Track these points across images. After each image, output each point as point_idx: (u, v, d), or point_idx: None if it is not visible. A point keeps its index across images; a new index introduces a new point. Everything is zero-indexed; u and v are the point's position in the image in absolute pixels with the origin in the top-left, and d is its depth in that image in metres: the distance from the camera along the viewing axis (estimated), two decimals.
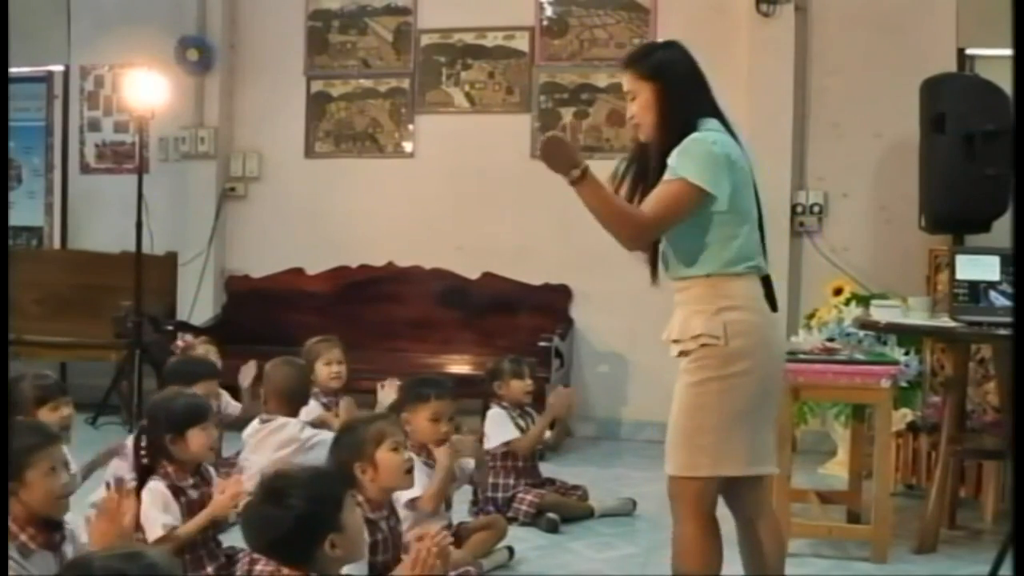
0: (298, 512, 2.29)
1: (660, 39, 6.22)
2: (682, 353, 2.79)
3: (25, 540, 2.53)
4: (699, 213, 2.74)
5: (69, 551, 2.64)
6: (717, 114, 2.86)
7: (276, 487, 2.37)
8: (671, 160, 2.75)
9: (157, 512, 3.16)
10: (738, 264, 2.78)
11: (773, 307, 2.87)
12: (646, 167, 2.88)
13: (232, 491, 3.16)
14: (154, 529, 3.14)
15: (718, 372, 2.73)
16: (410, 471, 3.15)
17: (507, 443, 4.45)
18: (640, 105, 2.85)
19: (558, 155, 2.77)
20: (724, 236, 2.77)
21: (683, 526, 2.80)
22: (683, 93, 2.83)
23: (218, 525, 3.32)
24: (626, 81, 2.90)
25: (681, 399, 2.79)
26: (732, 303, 2.75)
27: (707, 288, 2.77)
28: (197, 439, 3.24)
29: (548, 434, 4.77)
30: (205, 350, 4.83)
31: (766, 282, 2.87)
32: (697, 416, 2.75)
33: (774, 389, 2.86)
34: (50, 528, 2.59)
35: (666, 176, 2.75)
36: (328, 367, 4.56)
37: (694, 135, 2.76)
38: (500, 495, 4.41)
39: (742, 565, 2.97)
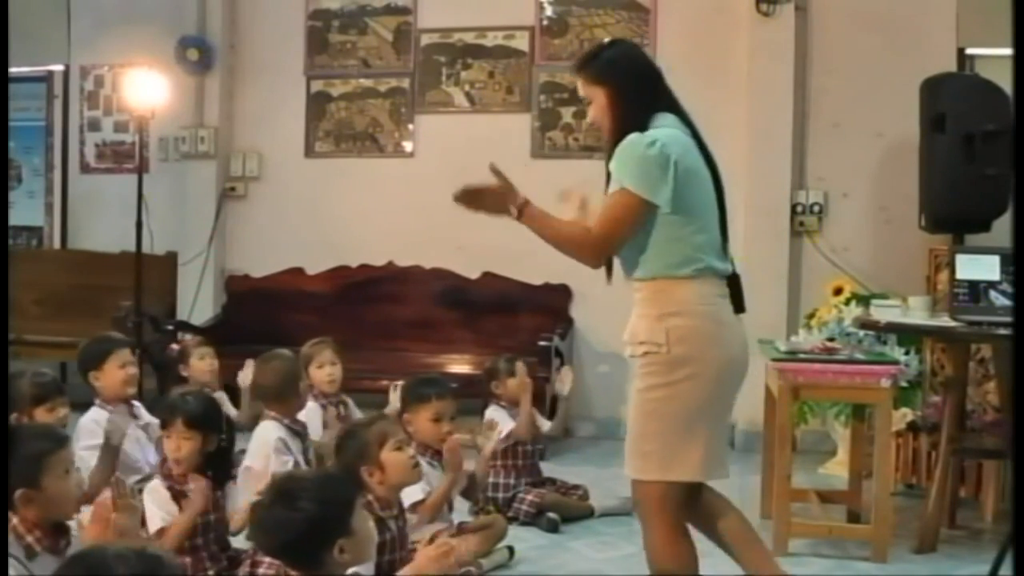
0: (309, 515, 2.29)
1: (660, 39, 6.31)
2: (631, 357, 2.80)
3: (31, 542, 2.53)
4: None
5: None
6: (673, 107, 2.83)
7: (287, 489, 2.37)
8: (612, 166, 2.74)
9: (155, 511, 3.17)
10: (684, 267, 2.73)
11: (739, 308, 2.82)
12: None
13: (202, 492, 3.19)
14: (152, 527, 3.15)
15: (663, 379, 2.72)
16: (417, 465, 3.16)
17: (507, 435, 4.43)
18: (595, 109, 2.86)
19: (483, 202, 2.82)
20: (666, 238, 2.72)
21: (650, 532, 2.81)
22: (633, 92, 2.81)
23: (220, 529, 3.33)
24: (580, 86, 2.90)
25: (632, 404, 2.80)
26: (675, 308, 2.72)
27: (652, 292, 2.75)
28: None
29: (547, 425, 4.77)
30: (202, 353, 4.81)
31: (733, 281, 2.82)
32: (643, 422, 2.76)
33: (726, 394, 2.81)
34: (56, 532, 2.59)
35: (612, 186, 2.74)
36: (321, 370, 4.47)
37: (630, 136, 2.73)
38: (501, 495, 4.41)
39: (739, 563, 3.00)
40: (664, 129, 2.75)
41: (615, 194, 2.72)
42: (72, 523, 2.68)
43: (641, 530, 2.84)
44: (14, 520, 2.53)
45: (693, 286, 2.74)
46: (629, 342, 2.79)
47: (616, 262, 2.89)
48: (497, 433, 4.07)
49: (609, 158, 2.82)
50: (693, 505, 2.87)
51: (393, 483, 3.08)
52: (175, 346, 4.93)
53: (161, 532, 3.15)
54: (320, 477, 2.56)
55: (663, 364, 2.71)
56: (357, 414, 4.54)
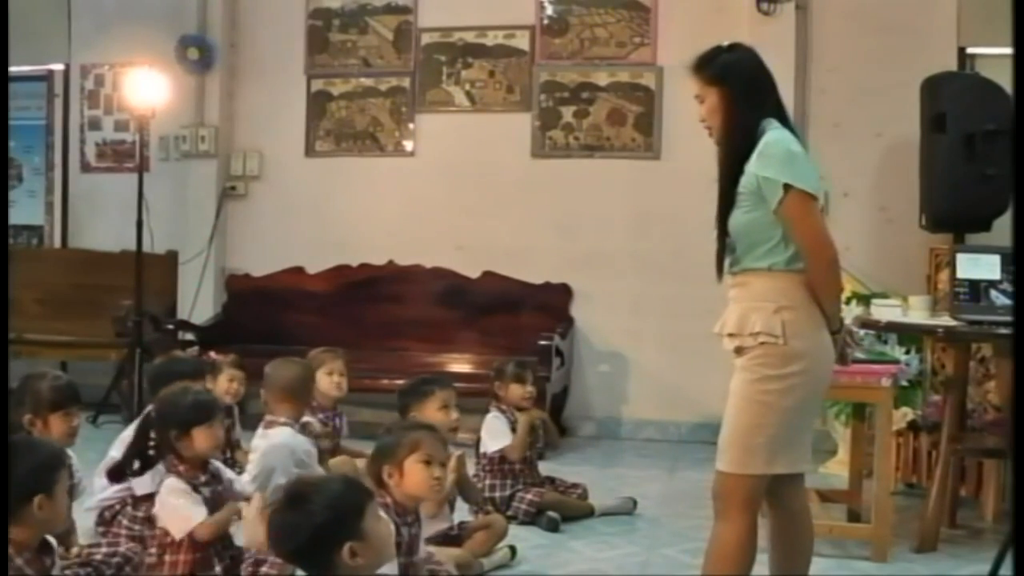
0: (317, 519, 2.29)
1: (661, 38, 6.32)
2: (739, 349, 2.80)
3: (21, 564, 2.51)
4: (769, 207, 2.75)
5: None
6: (782, 116, 2.90)
7: (297, 494, 2.38)
8: (767, 170, 2.74)
9: (185, 504, 3.16)
10: (797, 262, 2.79)
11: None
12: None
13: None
14: (184, 522, 3.14)
15: (777, 371, 2.74)
16: (438, 486, 3.14)
17: (500, 450, 4.46)
18: (708, 109, 2.89)
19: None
20: (785, 232, 2.77)
21: (730, 524, 2.80)
22: (748, 96, 2.85)
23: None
24: (694, 85, 2.92)
25: (739, 396, 2.80)
26: (790, 302, 2.76)
27: (767, 283, 2.79)
28: (202, 438, 3.24)
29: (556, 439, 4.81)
30: (232, 375, 4.71)
31: None
32: (756, 414, 2.76)
33: (823, 391, 2.90)
34: (42, 552, 2.58)
35: (772, 191, 2.73)
36: (330, 377, 4.50)
37: (777, 137, 2.78)
38: (498, 494, 4.41)
39: (769, 564, 2.98)
40: (784, 131, 2.82)
41: (798, 204, 2.73)
42: (54, 542, 2.67)
43: (718, 525, 2.83)
44: None
45: (803, 281, 2.80)
46: (736, 333, 2.79)
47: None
48: (455, 470, 3.94)
49: (727, 157, 2.84)
50: (787, 489, 2.92)
51: (408, 492, 3.06)
52: (213, 355, 4.85)
53: (202, 526, 3.15)
54: (329, 481, 2.56)
55: (779, 356, 2.74)
56: (345, 431, 4.60)
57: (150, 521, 3.28)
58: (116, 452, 3.79)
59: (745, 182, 2.78)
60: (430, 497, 3.23)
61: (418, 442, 3.07)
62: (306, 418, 4.21)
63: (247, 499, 3.38)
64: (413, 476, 3.04)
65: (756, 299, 2.79)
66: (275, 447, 3.75)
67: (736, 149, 2.81)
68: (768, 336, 2.73)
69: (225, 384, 4.60)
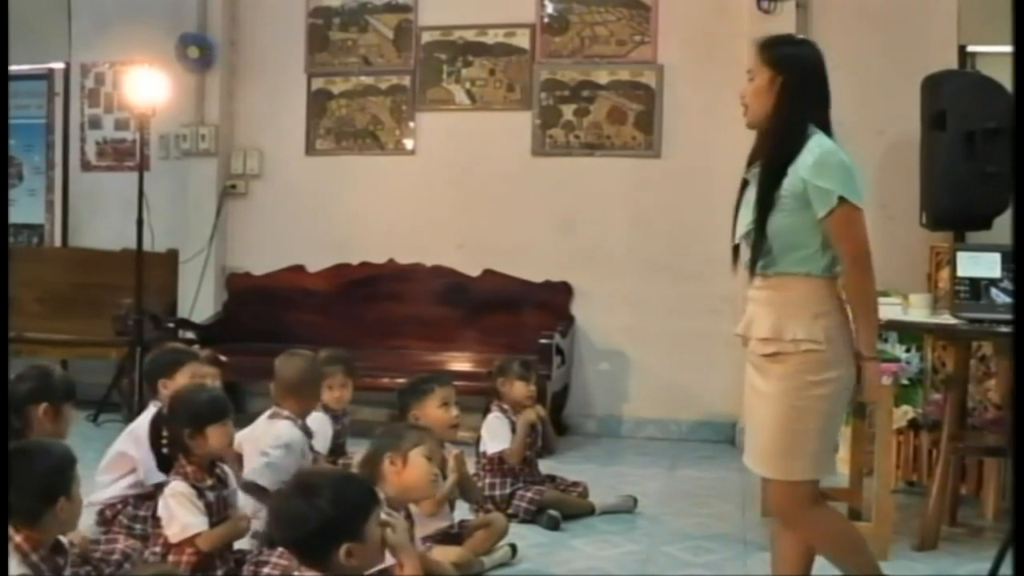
0: (322, 513, 2.29)
1: (661, 36, 6.31)
2: (774, 355, 2.78)
3: (36, 561, 2.53)
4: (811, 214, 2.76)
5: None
6: (826, 122, 2.88)
7: (307, 484, 2.38)
8: (822, 179, 2.73)
9: (185, 513, 3.17)
10: (833, 267, 2.81)
11: None
12: (753, 154, 2.91)
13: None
14: (181, 530, 3.15)
15: (818, 376, 2.75)
16: (435, 482, 3.17)
17: (500, 452, 4.46)
18: (754, 88, 2.88)
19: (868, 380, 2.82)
20: (824, 239, 2.78)
21: (813, 526, 2.88)
22: (801, 93, 2.84)
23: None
24: (751, 60, 2.92)
25: (781, 403, 2.79)
26: (827, 308, 2.78)
27: (804, 288, 2.78)
28: (216, 435, 3.25)
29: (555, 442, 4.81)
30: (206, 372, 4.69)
31: None
32: (802, 420, 2.77)
33: (849, 395, 2.92)
34: (55, 552, 2.60)
35: (825, 200, 2.72)
36: (330, 392, 4.40)
37: (833, 147, 2.79)
38: (498, 493, 4.41)
39: (771, 564, 3.01)
40: (831, 141, 2.83)
41: (848, 217, 2.74)
42: (67, 542, 2.68)
43: (800, 534, 2.89)
44: (18, 539, 2.51)
45: (837, 288, 2.83)
46: (773, 338, 2.78)
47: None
48: (456, 469, 3.96)
49: (773, 159, 2.82)
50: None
51: (408, 484, 3.06)
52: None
53: (190, 539, 3.15)
54: (341, 477, 2.56)
55: (820, 362, 2.75)
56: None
57: (155, 519, 3.29)
58: (123, 446, 3.81)
59: (790, 185, 2.76)
60: (427, 492, 3.23)
61: (422, 437, 3.13)
62: (318, 414, 4.21)
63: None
64: (416, 468, 3.06)
65: (792, 304, 2.78)
66: (288, 447, 3.76)
67: (783, 150, 2.79)
68: (811, 343, 2.74)
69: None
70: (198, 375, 3.97)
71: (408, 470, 3.04)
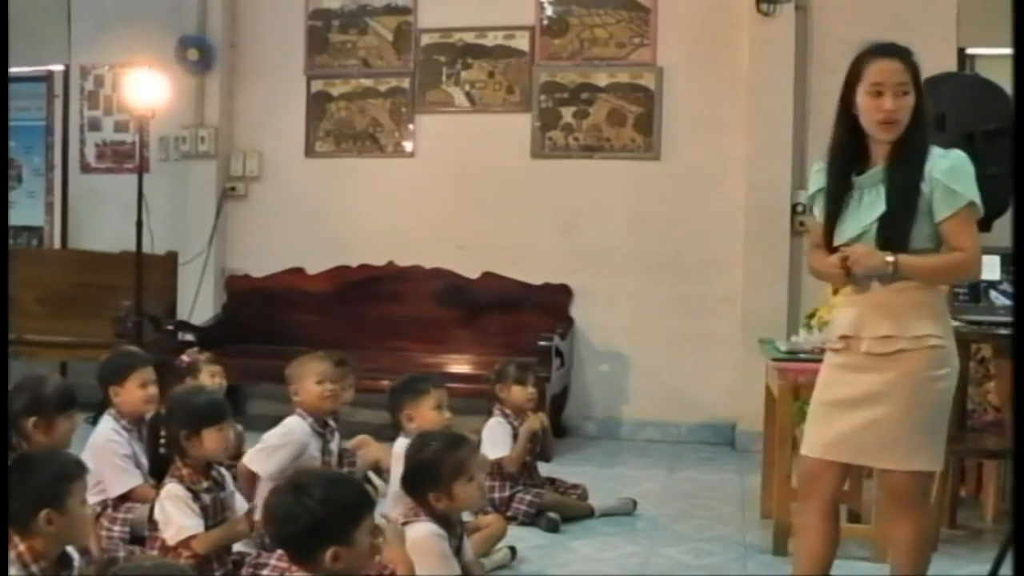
0: (311, 513, 2.30)
1: (660, 38, 6.31)
2: (896, 352, 2.91)
3: (36, 572, 2.50)
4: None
5: None
6: None
7: (300, 483, 2.39)
8: (958, 183, 2.87)
9: (180, 515, 3.17)
10: None
11: None
12: (849, 161, 3.00)
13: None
14: (176, 532, 3.16)
15: (941, 371, 2.94)
16: (484, 494, 3.32)
17: (498, 459, 4.45)
18: (907, 105, 2.93)
19: (863, 264, 2.91)
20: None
21: (926, 518, 3.07)
22: (926, 109, 3.00)
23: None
24: (902, 73, 2.95)
25: (913, 397, 2.92)
26: (941, 307, 3.00)
27: (930, 291, 2.95)
28: (212, 439, 3.25)
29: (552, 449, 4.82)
30: (212, 371, 4.67)
31: None
32: (936, 414, 2.97)
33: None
34: (60, 563, 2.57)
35: (954, 202, 2.87)
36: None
37: (960, 155, 2.94)
38: (498, 495, 4.40)
39: (796, 562, 3.23)
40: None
41: (970, 219, 2.91)
42: (75, 555, 2.65)
43: (914, 522, 2.99)
44: (21, 547, 2.49)
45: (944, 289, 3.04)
46: (897, 335, 2.90)
47: None
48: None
49: (915, 172, 2.90)
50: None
51: (460, 510, 3.16)
52: (185, 358, 4.84)
53: (186, 541, 3.15)
54: (334, 479, 2.56)
55: (942, 357, 2.93)
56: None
57: (152, 522, 3.28)
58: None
59: (925, 189, 2.89)
60: (480, 507, 3.31)
61: (461, 465, 3.11)
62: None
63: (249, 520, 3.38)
64: (463, 497, 3.11)
65: (914, 304, 2.92)
66: (292, 442, 3.82)
67: (924, 157, 2.90)
68: (938, 339, 2.91)
69: (209, 380, 4.59)
70: (149, 380, 3.90)
71: (456, 502, 3.11)
